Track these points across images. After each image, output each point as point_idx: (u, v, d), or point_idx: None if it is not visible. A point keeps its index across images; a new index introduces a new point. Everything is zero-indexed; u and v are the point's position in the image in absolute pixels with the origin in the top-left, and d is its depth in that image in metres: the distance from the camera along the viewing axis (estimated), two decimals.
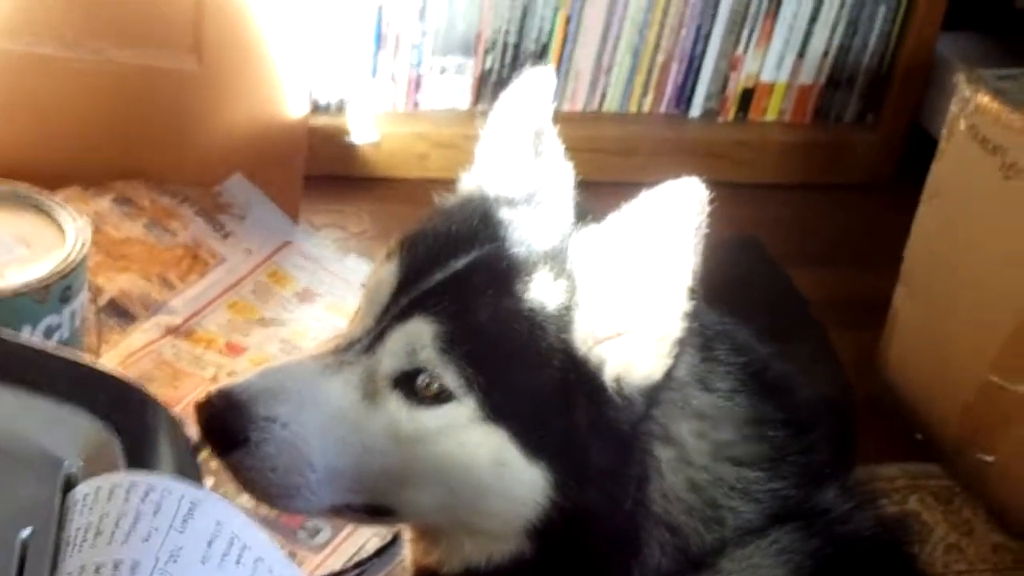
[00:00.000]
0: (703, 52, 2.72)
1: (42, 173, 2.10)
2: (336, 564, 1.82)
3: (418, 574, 1.27)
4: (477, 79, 2.63)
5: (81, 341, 1.85)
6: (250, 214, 2.36)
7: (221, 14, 2.28)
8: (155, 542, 0.85)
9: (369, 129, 2.59)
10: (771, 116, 2.82)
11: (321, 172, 2.49)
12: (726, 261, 2.11)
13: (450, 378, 1.13)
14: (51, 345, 1.71)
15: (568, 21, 2.63)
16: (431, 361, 1.13)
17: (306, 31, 2.35)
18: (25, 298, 1.70)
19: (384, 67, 2.59)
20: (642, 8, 2.64)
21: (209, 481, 1.22)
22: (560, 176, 1.25)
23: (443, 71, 2.62)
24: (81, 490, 0.89)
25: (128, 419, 0.97)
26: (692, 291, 1.10)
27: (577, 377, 1.13)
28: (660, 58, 2.71)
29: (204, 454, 1.15)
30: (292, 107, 2.35)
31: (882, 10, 2.75)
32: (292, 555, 1.80)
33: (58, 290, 1.73)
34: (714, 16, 2.68)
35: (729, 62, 2.74)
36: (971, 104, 2.08)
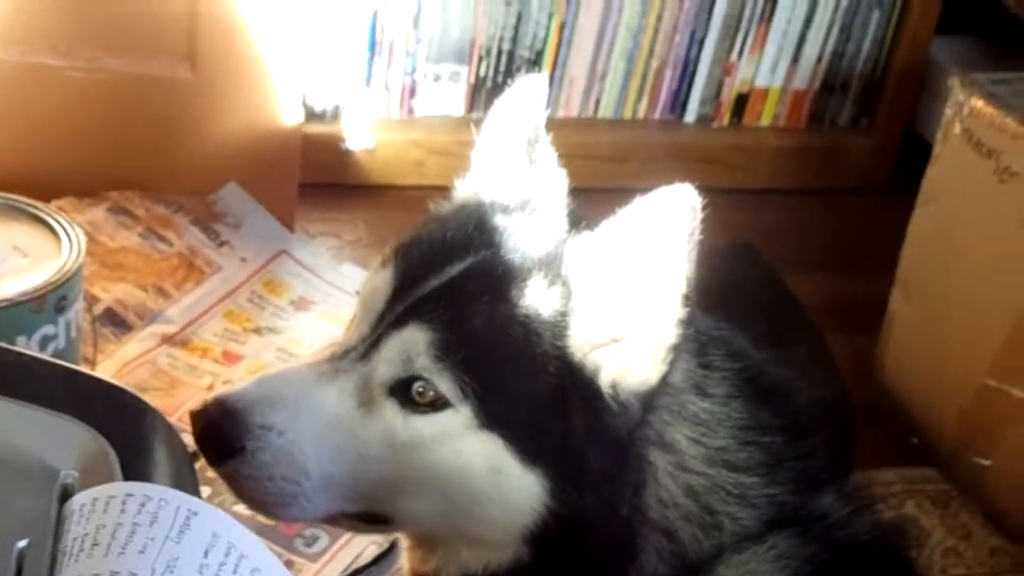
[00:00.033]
0: (697, 58, 2.72)
1: (37, 183, 2.10)
2: (334, 572, 1.81)
3: None
4: (472, 86, 2.64)
5: (77, 351, 1.85)
6: (245, 223, 2.35)
7: (215, 22, 2.28)
8: (151, 553, 0.84)
9: (364, 136, 2.59)
10: (766, 121, 2.82)
11: (316, 180, 2.49)
12: (721, 267, 2.11)
13: (445, 385, 1.13)
14: (47, 355, 1.71)
15: (562, 27, 2.63)
16: (426, 368, 1.13)
17: (300, 39, 2.35)
18: (21, 308, 1.70)
19: (378, 74, 2.59)
20: (636, 14, 2.64)
21: (206, 491, 1.22)
22: (554, 183, 1.25)
23: (437, 78, 2.62)
24: (77, 501, 0.89)
25: (124, 429, 0.97)
26: (687, 297, 1.10)
27: (573, 383, 1.13)
28: (654, 64, 2.71)
29: (200, 463, 1.15)
30: (286, 115, 2.35)
31: (876, 15, 2.76)
32: (289, 564, 1.80)
33: (54, 300, 1.73)
34: (708, 22, 2.68)
35: (723, 67, 2.74)
36: (965, 108, 2.09)
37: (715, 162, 2.75)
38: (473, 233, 1.20)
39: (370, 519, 1.22)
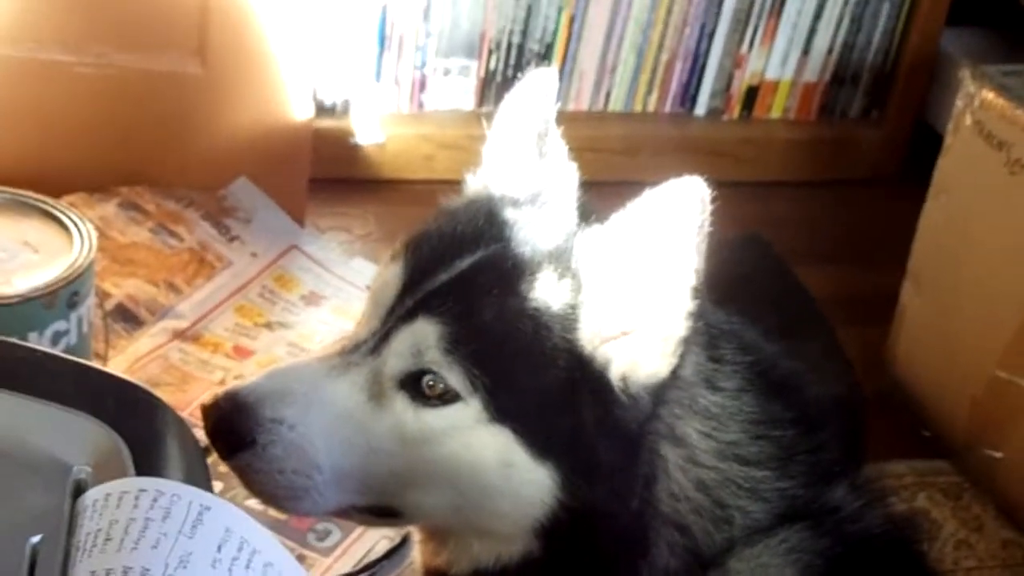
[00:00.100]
0: (707, 50, 2.72)
1: (47, 179, 2.10)
2: (346, 567, 1.82)
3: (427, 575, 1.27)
4: (481, 80, 2.63)
5: (88, 346, 1.85)
6: (256, 217, 2.35)
7: (225, 17, 2.28)
8: (164, 548, 0.85)
9: (374, 131, 2.59)
10: (776, 114, 2.82)
11: (326, 175, 2.49)
12: (731, 259, 2.11)
13: (455, 379, 1.13)
14: (58, 351, 1.71)
15: (572, 21, 2.63)
16: (436, 362, 1.13)
17: (310, 34, 2.35)
18: (32, 304, 1.71)
19: (388, 69, 2.59)
20: (646, 7, 2.64)
21: (218, 486, 1.22)
22: (564, 176, 1.25)
23: (447, 72, 2.62)
24: (90, 496, 0.90)
25: (136, 424, 0.97)
26: (696, 290, 1.10)
27: (583, 376, 1.13)
28: (664, 57, 2.70)
29: (212, 458, 1.15)
30: (297, 110, 2.35)
31: (886, 6, 2.75)
32: (301, 558, 1.80)
33: (65, 296, 1.73)
34: (718, 14, 2.68)
35: (733, 60, 2.74)
36: (976, 100, 2.08)
37: (725, 155, 2.75)
38: (483, 227, 1.20)
39: (381, 513, 1.22)
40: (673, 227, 1.08)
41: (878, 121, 2.87)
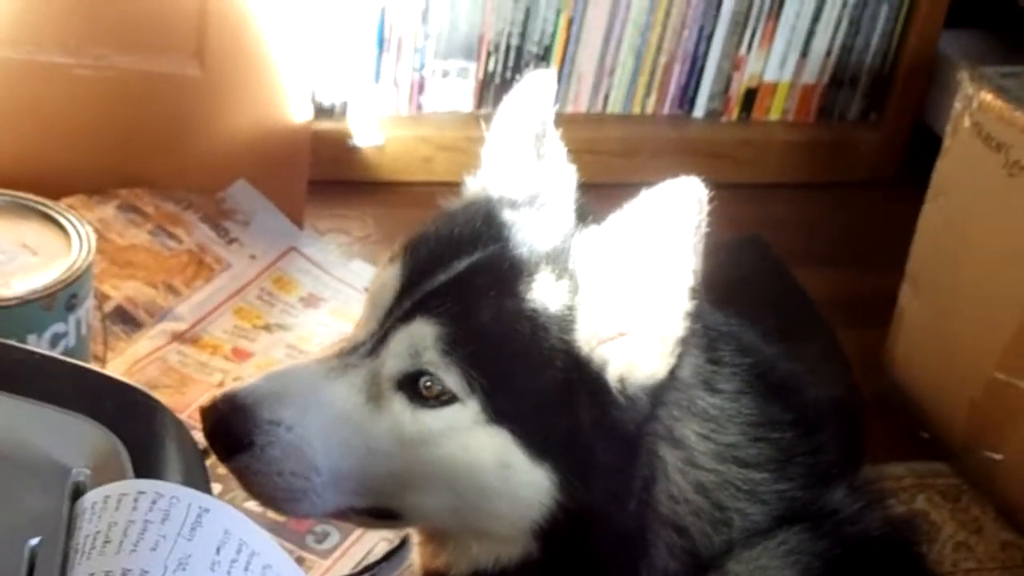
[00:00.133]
0: (706, 53, 2.72)
1: (46, 181, 2.10)
2: (345, 568, 1.82)
3: None
4: (480, 82, 2.63)
5: (87, 349, 1.85)
6: (254, 220, 2.36)
7: (224, 19, 2.28)
8: (163, 550, 0.85)
9: (372, 133, 2.59)
10: (774, 116, 2.82)
11: (325, 177, 2.49)
12: (730, 261, 2.11)
13: (452, 380, 1.13)
14: (57, 353, 1.71)
15: (571, 23, 2.63)
16: (433, 363, 1.13)
17: (309, 36, 2.35)
18: (31, 306, 1.71)
19: (387, 71, 2.59)
20: (644, 10, 2.64)
21: (217, 488, 1.22)
22: (563, 178, 1.25)
23: (446, 74, 2.62)
24: (89, 498, 0.90)
25: (135, 426, 0.97)
26: (694, 290, 1.10)
27: (580, 377, 1.13)
28: (663, 59, 2.70)
29: (211, 460, 1.15)
30: (295, 112, 2.36)
31: (884, 9, 2.75)
32: (300, 560, 1.80)
33: (64, 298, 1.73)
34: (716, 17, 2.68)
35: (732, 62, 2.74)
36: (974, 102, 2.08)
37: (724, 157, 2.75)
38: (481, 228, 1.20)
39: (380, 515, 1.22)
40: (670, 227, 1.08)
41: (876, 123, 2.87)
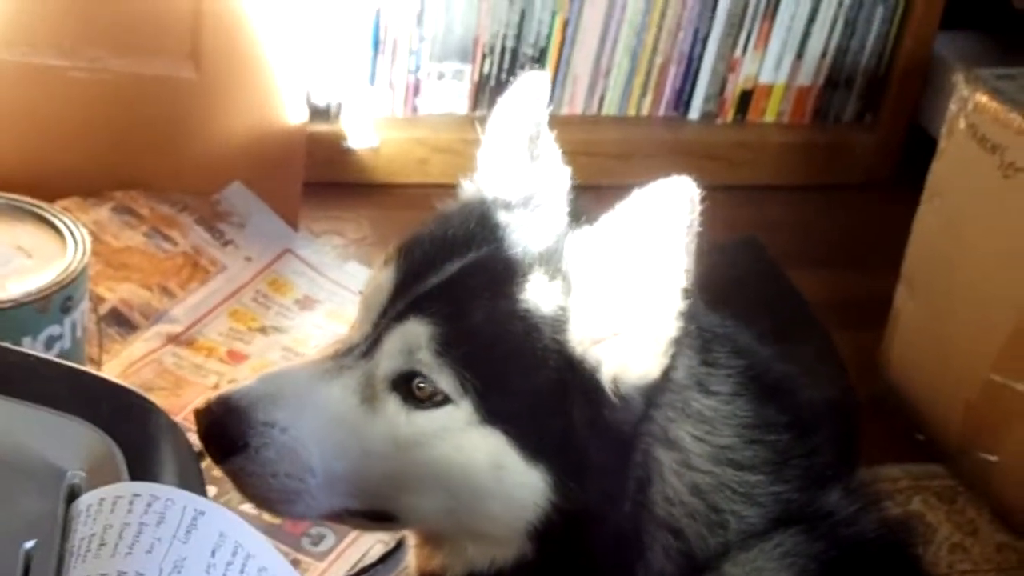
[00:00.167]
0: (701, 54, 2.72)
1: (41, 183, 2.10)
2: (340, 571, 1.81)
3: None
4: (475, 84, 2.63)
5: (82, 351, 1.85)
6: (250, 222, 2.35)
7: (219, 22, 2.28)
8: (159, 553, 0.85)
9: (368, 135, 2.59)
10: (770, 117, 2.82)
11: (320, 179, 2.49)
12: (726, 263, 2.11)
13: (444, 381, 1.13)
14: (52, 356, 1.71)
15: (566, 25, 2.63)
16: (426, 363, 1.13)
17: (304, 38, 2.35)
18: (26, 308, 1.70)
19: (382, 73, 2.59)
20: (640, 11, 2.64)
21: (212, 490, 1.22)
22: (557, 179, 1.25)
23: (441, 76, 2.62)
24: (84, 501, 0.89)
25: (130, 429, 0.97)
26: (686, 290, 1.10)
27: (574, 378, 1.13)
28: (658, 61, 2.71)
29: (206, 462, 1.15)
30: (290, 114, 2.35)
31: (880, 10, 2.75)
32: (296, 562, 1.80)
33: (59, 300, 1.73)
34: (712, 18, 2.68)
35: (727, 64, 2.74)
36: (970, 103, 2.08)
37: (719, 159, 2.75)
38: (474, 230, 1.20)
39: (375, 517, 1.22)
40: (662, 227, 1.08)
41: (872, 125, 2.87)
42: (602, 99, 2.71)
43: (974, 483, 2.11)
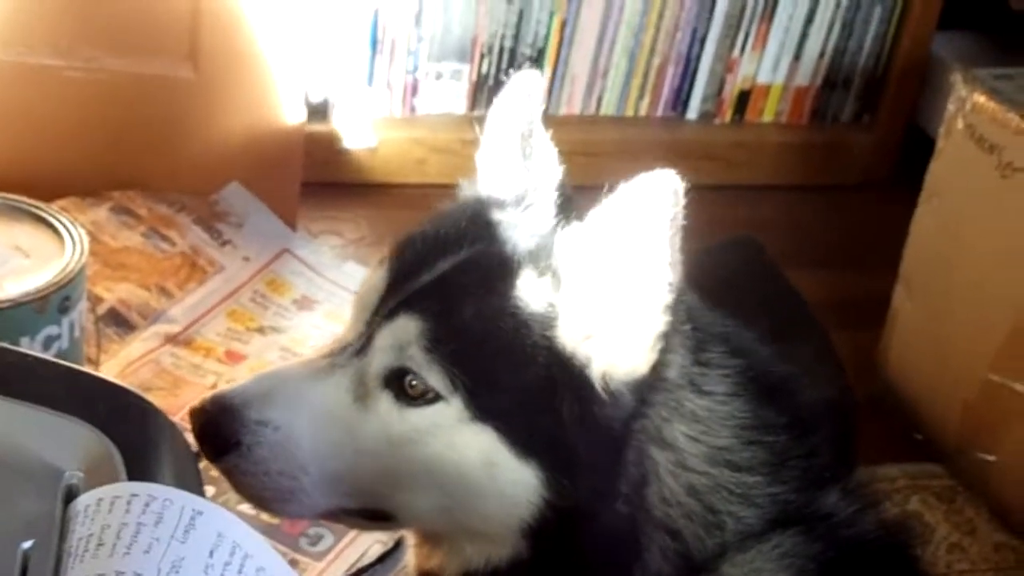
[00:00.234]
0: (699, 55, 2.72)
1: (38, 184, 2.10)
2: (338, 571, 1.81)
3: None
4: (473, 84, 2.63)
5: (80, 351, 1.85)
6: (248, 222, 2.35)
7: (217, 22, 2.28)
8: (157, 553, 0.85)
9: (366, 135, 2.59)
10: (768, 118, 2.82)
11: (318, 179, 2.49)
12: (723, 263, 2.11)
13: (434, 378, 1.13)
14: (50, 356, 1.71)
15: (564, 25, 2.63)
16: (416, 360, 1.14)
17: (302, 38, 2.35)
18: (24, 308, 1.70)
19: (380, 73, 2.59)
20: (637, 12, 2.64)
21: (210, 490, 1.22)
22: (550, 177, 1.25)
23: (439, 76, 2.62)
24: (82, 501, 0.89)
25: (128, 429, 0.97)
26: (672, 284, 1.10)
27: (563, 374, 1.13)
28: (656, 61, 2.71)
29: (204, 463, 1.15)
30: (288, 114, 2.35)
31: (877, 11, 2.75)
32: (294, 563, 1.80)
33: (57, 300, 1.73)
34: (709, 19, 2.68)
35: (725, 64, 2.74)
36: (967, 103, 2.08)
37: (717, 159, 2.75)
38: (466, 228, 1.20)
39: (372, 516, 1.22)
40: (646, 221, 1.08)
41: (870, 125, 2.87)
42: (600, 99, 2.71)
43: (972, 483, 2.11)
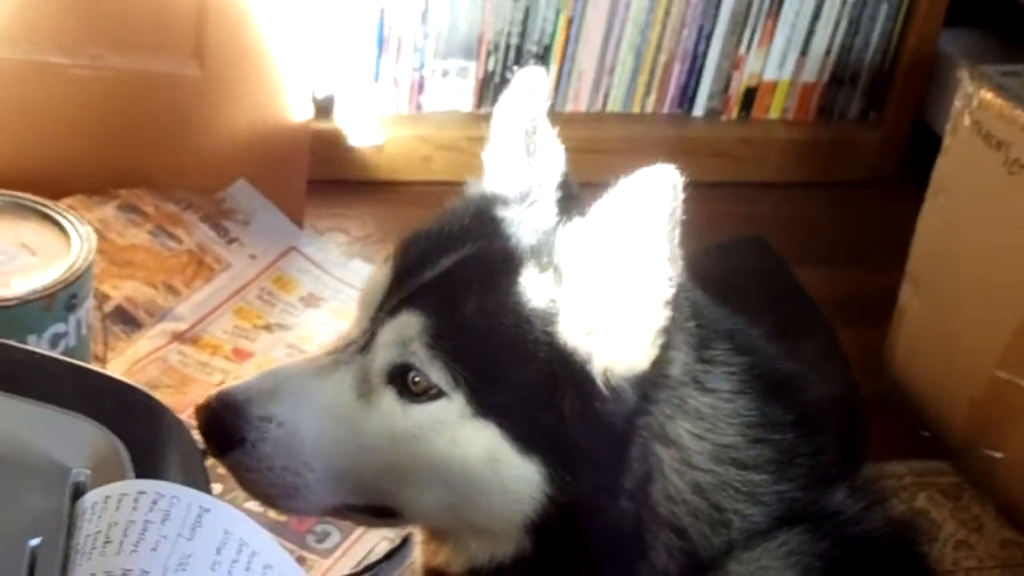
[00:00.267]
0: (705, 51, 2.72)
1: (45, 182, 2.10)
2: (346, 568, 1.82)
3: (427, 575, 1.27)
4: (480, 81, 2.63)
5: (87, 349, 1.85)
6: (254, 219, 2.36)
7: (222, 18, 2.28)
8: (164, 550, 0.85)
9: (372, 133, 2.59)
10: (774, 114, 2.82)
11: (324, 176, 2.49)
12: (730, 260, 2.11)
13: (436, 374, 1.14)
14: (57, 353, 1.71)
15: (570, 22, 2.63)
16: (418, 356, 1.14)
17: (308, 35, 2.35)
18: (31, 306, 1.71)
19: (386, 70, 2.59)
20: (644, 8, 2.64)
21: (217, 487, 1.22)
22: (554, 173, 1.25)
23: (445, 74, 2.62)
24: (89, 498, 0.90)
25: (135, 426, 0.97)
26: (671, 279, 1.10)
27: (564, 369, 1.13)
28: (663, 58, 2.70)
29: (211, 460, 1.15)
30: (295, 111, 2.35)
31: (884, 7, 2.75)
32: (301, 560, 1.80)
33: (64, 298, 1.73)
34: (716, 16, 2.68)
35: (732, 61, 2.74)
36: (974, 100, 2.08)
37: (724, 155, 2.75)
38: (470, 225, 1.21)
39: (378, 512, 1.23)
40: (644, 216, 1.08)
41: (876, 122, 2.87)
42: (606, 96, 2.71)
43: (979, 480, 2.10)
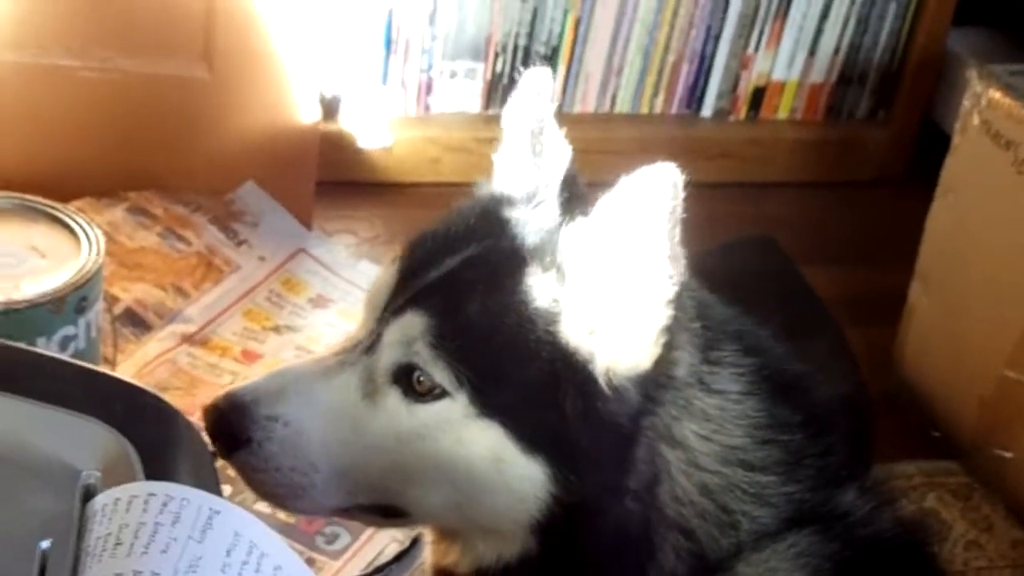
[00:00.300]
0: (714, 52, 2.71)
1: (54, 184, 2.11)
2: (355, 569, 1.82)
3: None
4: (488, 83, 2.63)
5: (97, 351, 1.85)
6: (263, 221, 2.36)
7: (231, 21, 2.28)
8: (174, 553, 0.85)
9: (380, 134, 2.60)
10: (783, 114, 2.82)
11: (333, 178, 2.49)
12: (738, 260, 2.10)
13: (439, 374, 1.14)
14: (67, 356, 1.71)
15: (578, 23, 2.62)
16: (422, 356, 1.14)
17: (316, 37, 2.35)
18: (40, 309, 1.71)
19: (395, 72, 2.59)
20: (652, 9, 2.64)
21: (227, 489, 1.22)
22: (560, 172, 1.25)
23: (454, 75, 2.62)
24: (100, 501, 0.90)
25: (145, 429, 0.97)
26: (673, 277, 1.10)
27: (566, 369, 1.13)
28: (671, 59, 2.70)
29: (221, 462, 1.16)
30: (303, 113, 2.36)
31: (892, 7, 2.75)
32: (311, 561, 1.80)
33: (73, 300, 1.73)
34: (724, 16, 2.68)
35: (740, 61, 2.73)
36: (983, 99, 2.08)
37: (732, 156, 2.75)
38: (475, 225, 1.21)
39: (386, 513, 1.23)
40: (645, 215, 1.08)
41: (885, 121, 2.86)
42: (614, 97, 2.71)
43: (989, 479, 2.10)
